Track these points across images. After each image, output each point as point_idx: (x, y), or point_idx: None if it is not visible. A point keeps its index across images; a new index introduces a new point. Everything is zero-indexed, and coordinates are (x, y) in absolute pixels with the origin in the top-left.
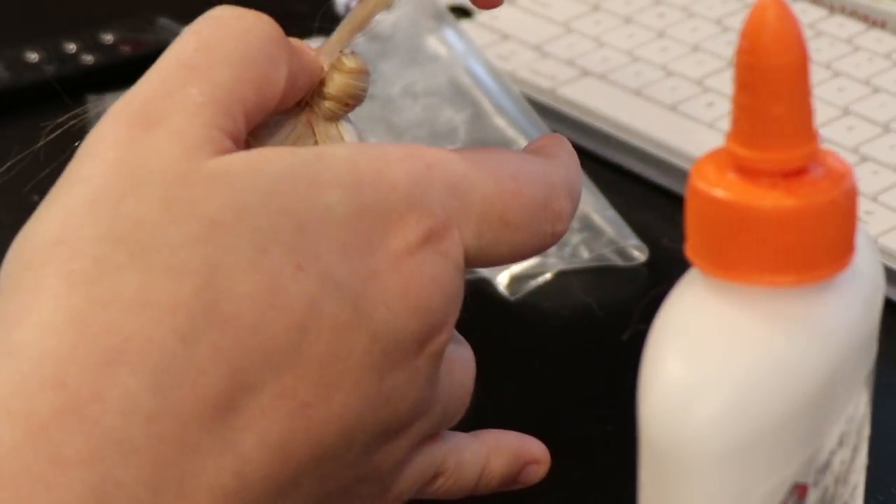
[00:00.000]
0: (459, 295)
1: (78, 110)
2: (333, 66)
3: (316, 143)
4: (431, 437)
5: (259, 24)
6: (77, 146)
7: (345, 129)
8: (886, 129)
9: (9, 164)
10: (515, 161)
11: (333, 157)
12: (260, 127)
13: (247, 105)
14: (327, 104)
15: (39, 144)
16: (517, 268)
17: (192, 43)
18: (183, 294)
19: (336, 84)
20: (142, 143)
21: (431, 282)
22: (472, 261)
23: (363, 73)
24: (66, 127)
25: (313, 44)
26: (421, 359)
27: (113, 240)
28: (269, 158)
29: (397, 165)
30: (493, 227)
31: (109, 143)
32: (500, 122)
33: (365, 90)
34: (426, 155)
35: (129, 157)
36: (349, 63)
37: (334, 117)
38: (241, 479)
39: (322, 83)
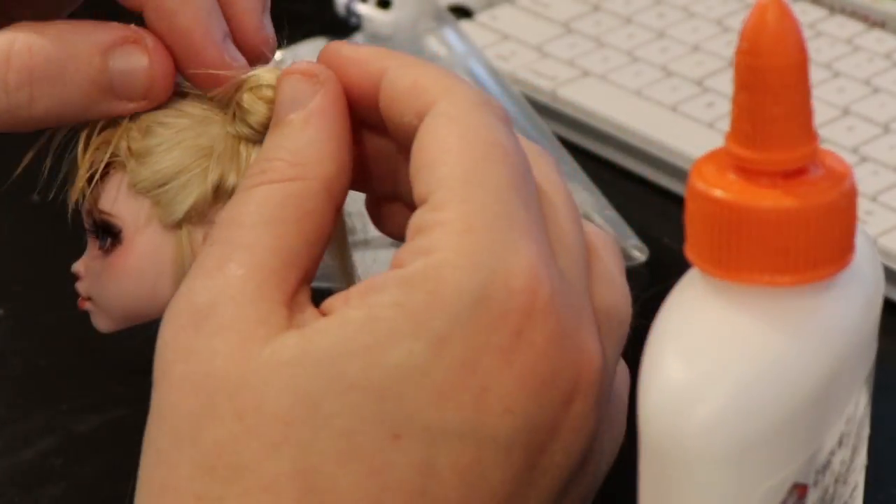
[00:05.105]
0: (578, 344)
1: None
2: (252, 89)
3: (243, 163)
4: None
5: None
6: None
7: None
8: (886, 129)
9: (10, 180)
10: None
11: (382, 310)
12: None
13: (293, 256)
14: (247, 131)
15: (27, 158)
16: None
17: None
18: None
19: (255, 115)
20: (199, 348)
21: (542, 359)
22: None
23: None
24: (59, 138)
25: (313, 43)
26: (568, 421)
27: (206, 472)
28: (320, 334)
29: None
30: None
31: (171, 356)
32: None
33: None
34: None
35: (192, 369)
36: (266, 91)
37: (255, 141)
38: None
39: (239, 106)
